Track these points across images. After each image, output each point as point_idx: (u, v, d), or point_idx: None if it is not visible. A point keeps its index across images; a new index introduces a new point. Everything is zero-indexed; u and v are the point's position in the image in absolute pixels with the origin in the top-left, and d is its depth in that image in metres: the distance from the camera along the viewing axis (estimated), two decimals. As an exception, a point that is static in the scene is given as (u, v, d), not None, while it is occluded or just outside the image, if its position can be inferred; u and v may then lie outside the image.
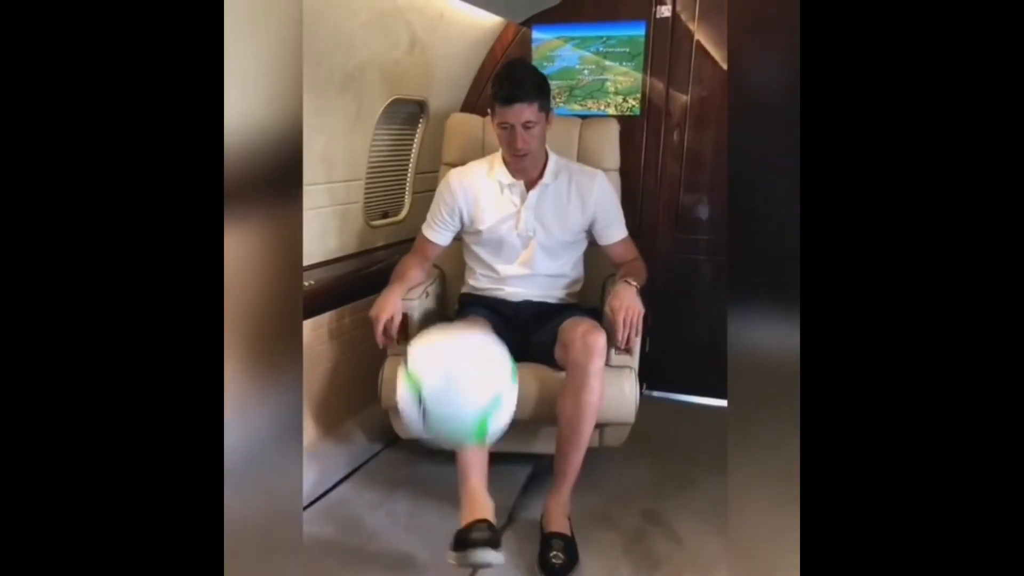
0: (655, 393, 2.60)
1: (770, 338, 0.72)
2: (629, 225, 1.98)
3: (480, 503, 1.50)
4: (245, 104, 0.63)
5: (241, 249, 0.63)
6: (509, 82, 1.72)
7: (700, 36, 2.32)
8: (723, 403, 2.44)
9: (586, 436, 1.66)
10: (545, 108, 1.78)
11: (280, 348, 0.69)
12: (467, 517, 1.47)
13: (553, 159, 1.90)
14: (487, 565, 1.41)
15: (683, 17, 2.33)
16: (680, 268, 2.50)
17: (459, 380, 1.26)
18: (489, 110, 1.80)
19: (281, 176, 0.69)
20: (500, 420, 1.28)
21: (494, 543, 1.40)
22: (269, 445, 0.68)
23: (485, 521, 1.44)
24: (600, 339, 1.64)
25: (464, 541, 1.41)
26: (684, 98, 2.39)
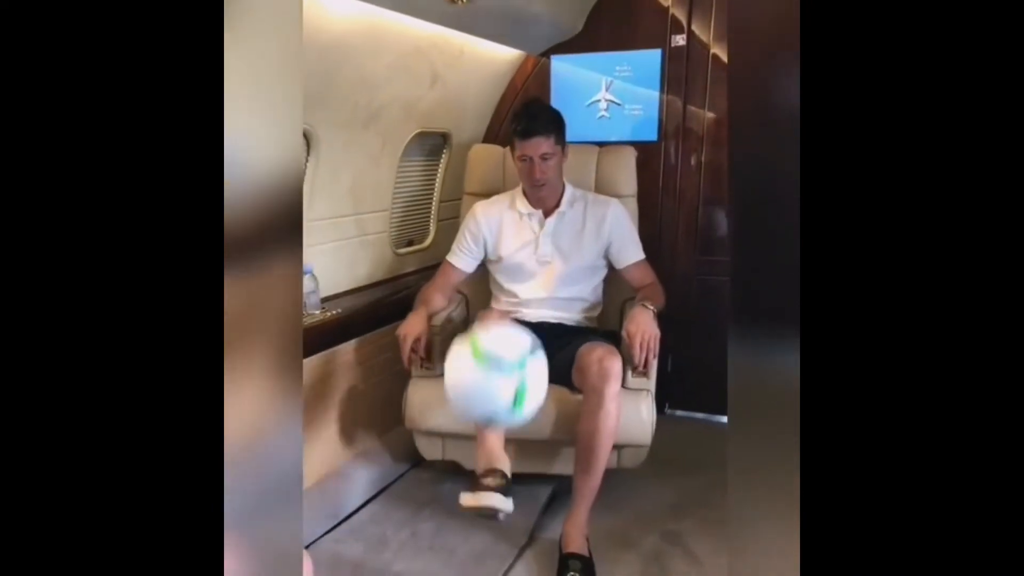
0: (677, 412, 2.62)
1: (770, 359, 0.73)
2: (649, 248, 2.04)
3: (496, 455, 1.64)
4: (245, 149, 0.65)
5: (241, 295, 0.64)
6: (527, 118, 1.86)
7: (717, 50, 2.38)
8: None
9: (603, 459, 1.70)
10: (560, 142, 1.90)
11: (280, 394, 0.70)
12: (482, 467, 1.61)
13: (569, 189, 1.99)
14: (496, 510, 1.54)
15: (701, 39, 2.38)
16: (700, 289, 2.54)
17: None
18: (510, 145, 1.94)
19: (281, 220, 0.70)
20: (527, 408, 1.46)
21: (505, 490, 1.54)
22: (269, 495, 0.69)
23: (499, 470, 1.59)
24: (616, 364, 1.70)
25: (477, 485, 1.55)
26: (701, 122, 2.44)
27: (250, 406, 0.67)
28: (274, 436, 0.70)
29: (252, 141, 0.67)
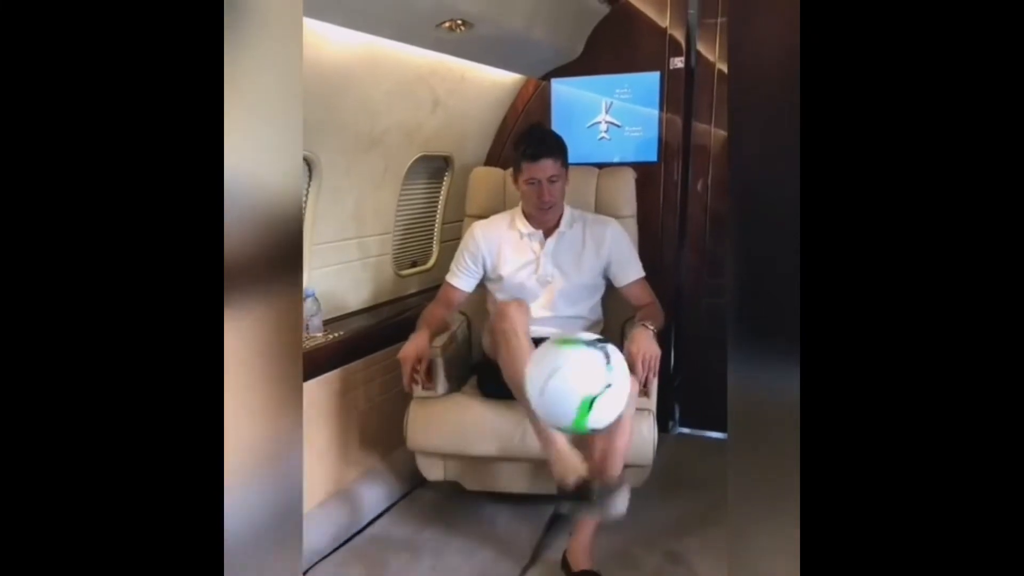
0: (682, 430, 2.62)
1: (771, 376, 0.73)
2: (651, 268, 2.07)
3: (569, 455, 1.64)
4: (245, 175, 0.65)
5: (241, 322, 0.65)
6: (535, 141, 1.92)
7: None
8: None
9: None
10: (565, 165, 1.95)
11: (281, 422, 0.71)
12: (559, 472, 1.63)
13: (568, 210, 2.03)
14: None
15: (708, 59, 2.41)
16: (706, 308, 2.55)
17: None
18: (514, 169, 1.97)
19: (281, 246, 0.71)
20: (598, 413, 1.45)
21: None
22: (269, 525, 0.69)
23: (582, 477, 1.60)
24: (630, 384, 1.70)
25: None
26: (707, 142, 2.48)
27: (250, 433, 0.68)
28: (274, 464, 0.70)
29: (252, 168, 0.68)
